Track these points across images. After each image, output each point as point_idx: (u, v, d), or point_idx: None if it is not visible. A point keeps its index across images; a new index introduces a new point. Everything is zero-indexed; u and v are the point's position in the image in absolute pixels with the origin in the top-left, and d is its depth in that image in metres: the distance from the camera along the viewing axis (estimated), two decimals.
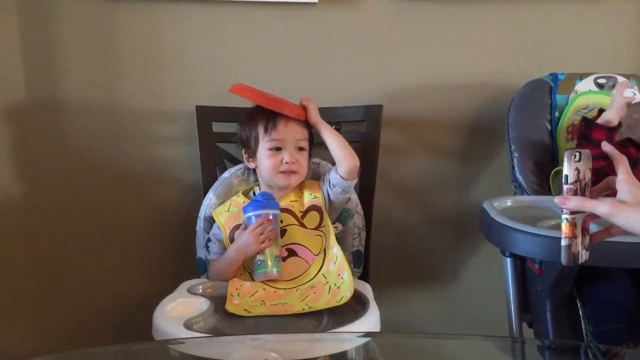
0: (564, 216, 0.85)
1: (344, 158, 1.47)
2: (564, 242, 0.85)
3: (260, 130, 1.48)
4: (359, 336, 1.23)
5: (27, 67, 1.67)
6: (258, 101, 1.49)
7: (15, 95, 1.67)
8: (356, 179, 1.51)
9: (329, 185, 1.50)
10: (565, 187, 0.85)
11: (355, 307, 1.32)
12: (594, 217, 0.87)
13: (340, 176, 1.47)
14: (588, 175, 0.86)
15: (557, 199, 0.85)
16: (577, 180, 0.85)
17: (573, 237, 0.85)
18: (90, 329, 1.76)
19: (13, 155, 1.70)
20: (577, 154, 0.84)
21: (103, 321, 1.77)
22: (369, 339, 1.26)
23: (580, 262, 0.86)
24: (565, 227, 0.85)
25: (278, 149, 1.47)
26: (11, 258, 1.72)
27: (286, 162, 1.46)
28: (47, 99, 1.69)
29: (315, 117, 1.51)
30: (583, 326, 1.33)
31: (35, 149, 1.71)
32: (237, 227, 1.47)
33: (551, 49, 1.73)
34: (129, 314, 1.73)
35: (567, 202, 0.84)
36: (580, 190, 0.85)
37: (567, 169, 0.84)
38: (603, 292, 1.36)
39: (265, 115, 1.48)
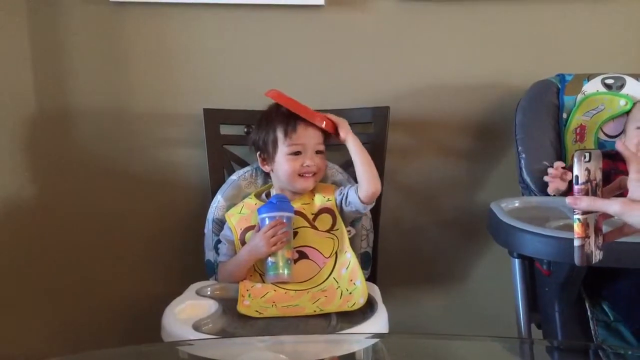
0: (575, 216, 0.85)
1: (367, 181, 1.45)
2: (576, 243, 0.85)
3: (280, 134, 1.48)
4: (367, 337, 1.24)
5: (37, 72, 1.68)
6: (292, 108, 1.47)
7: (25, 100, 1.69)
8: (373, 204, 1.49)
9: (344, 200, 1.49)
10: (576, 187, 0.85)
11: (363, 308, 1.32)
12: (606, 216, 0.87)
13: (360, 198, 1.45)
14: (599, 175, 0.86)
15: (568, 200, 0.85)
16: (588, 181, 0.84)
17: (586, 237, 0.85)
18: (100, 331, 1.78)
19: (24, 159, 1.72)
20: (587, 154, 0.84)
21: (112, 323, 1.78)
22: (378, 340, 1.26)
23: (593, 262, 0.86)
24: (577, 227, 0.85)
25: (298, 152, 1.47)
26: (23, 260, 1.73)
27: (307, 166, 1.46)
28: (57, 102, 1.70)
29: (346, 131, 1.48)
30: (592, 326, 1.33)
31: (45, 153, 1.72)
32: (248, 229, 1.47)
33: (558, 50, 1.72)
34: (138, 315, 1.74)
35: (579, 202, 0.84)
36: (592, 190, 0.85)
37: (578, 169, 0.84)
38: (625, 290, 1.35)
39: (284, 118, 1.48)
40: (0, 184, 1.69)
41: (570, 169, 1.50)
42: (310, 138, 1.48)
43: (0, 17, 1.64)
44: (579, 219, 0.85)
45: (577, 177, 0.84)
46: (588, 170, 0.84)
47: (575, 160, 0.83)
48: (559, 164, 1.44)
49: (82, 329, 1.78)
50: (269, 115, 1.52)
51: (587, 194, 0.85)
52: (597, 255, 0.86)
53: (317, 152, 1.49)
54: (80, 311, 1.77)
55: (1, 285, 1.69)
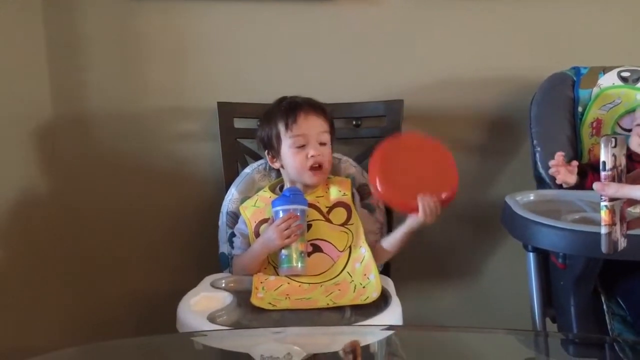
0: (602, 203, 0.84)
1: (386, 259, 1.48)
2: (604, 230, 0.83)
3: (281, 127, 1.48)
4: (381, 329, 1.24)
5: (52, 67, 1.69)
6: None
7: (42, 96, 1.69)
8: None
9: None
10: (603, 173, 0.83)
11: (377, 302, 1.32)
12: (630, 203, 0.86)
13: (368, 245, 1.43)
14: (623, 161, 0.85)
15: (596, 186, 0.83)
16: (614, 167, 0.83)
17: (613, 224, 0.83)
18: (116, 321, 1.79)
19: (40, 154, 1.73)
20: (613, 139, 0.82)
21: (128, 314, 1.80)
22: (391, 332, 1.26)
23: (619, 249, 0.85)
24: (604, 214, 0.84)
25: (302, 145, 1.47)
26: (41, 254, 1.74)
27: (312, 156, 1.45)
28: (72, 98, 1.71)
29: (423, 218, 1.38)
30: (607, 320, 1.32)
31: (61, 148, 1.73)
32: (262, 221, 1.48)
33: (573, 42, 1.71)
34: (152, 307, 1.75)
35: (607, 189, 0.83)
36: (617, 176, 0.84)
37: (605, 155, 0.82)
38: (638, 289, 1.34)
39: (283, 111, 1.49)
40: (17, 179, 1.69)
41: (586, 164, 1.50)
42: (311, 128, 1.47)
43: (17, 14, 1.65)
44: (606, 206, 0.83)
45: (604, 163, 0.83)
46: (614, 156, 0.83)
47: (602, 146, 0.82)
48: (559, 154, 1.43)
49: (97, 320, 1.79)
50: (271, 110, 1.52)
51: (613, 180, 0.83)
52: (622, 243, 0.85)
53: (322, 143, 1.48)
54: (96, 302, 1.79)
55: (21, 277, 1.70)
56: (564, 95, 1.58)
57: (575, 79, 1.59)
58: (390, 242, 1.46)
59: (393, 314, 1.27)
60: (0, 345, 1.72)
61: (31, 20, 1.66)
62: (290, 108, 1.48)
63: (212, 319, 1.24)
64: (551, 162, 1.42)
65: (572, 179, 1.40)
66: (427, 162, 1.40)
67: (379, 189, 1.38)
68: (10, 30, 1.64)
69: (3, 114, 1.65)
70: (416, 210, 1.36)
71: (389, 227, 1.60)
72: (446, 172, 1.41)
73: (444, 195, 1.37)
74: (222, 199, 1.60)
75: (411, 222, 1.41)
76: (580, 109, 1.57)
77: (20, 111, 1.67)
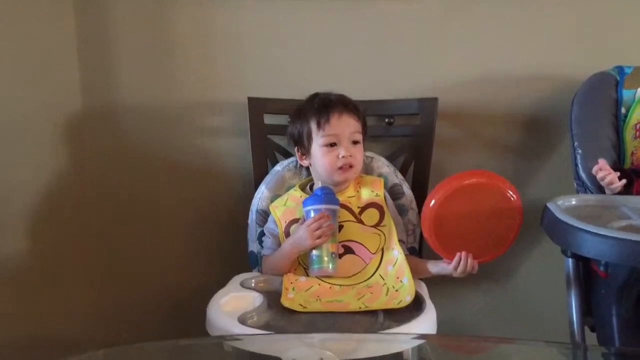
0: None
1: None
2: None
3: (313, 126, 1.45)
4: (413, 338, 1.21)
5: (82, 61, 1.67)
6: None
7: (71, 90, 1.68)
8: None
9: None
10: None
11: (411, 306, 1.29)
12: None
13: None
14: None
15: None
16: None
17: None
18: (144, 317, 1.78)
19: (70, 148, 1.72)
20: None
21: (156, 310, 1.79)
22: (424, 341, 1.22)
23: None
24: None
25: (333, 144, 1.43)
26: (69, 246, 1.74)
27: (343, 157, 1.42)
28: (102, 92, 1.70)
29: (454, 271, 1.36)
30: None
31: (90, 143, 1.72)
32: (293, 221, 1.45)
33: (616, 40, 1.65)
34: (181, 304, 1.74)
35: None
36: None
37: None
38: None
39: (316, 109, 1.45)
40: (47, 172, 1.69)
41: (629, 169, 1.44)
42: (344, 127, 1.44)
43: (48, 8, 1.64)
44: None
45: None
46: None
47: None
48: (602, 161, 1.38)
49: (127, 316, 1.78)
50: (303, 107, 1.49)
51: None
52: None
53: (354, 142, 1.45)
54: (124, 298, 1.78)
55: (49, 269, 1.70)
56: (606, 96, 1.52)
57: (618, 78, 1.53)
58: (415, 269, 1.40)
59: (427, 320, 1.25)
60: (28, 337, 1.74)
61: (62, 14, 1.65)
62: (324, 106, 1.44)
63: (242, 320, 1.23)
64: (595, 168, 1.37)
65: (619, 182, 1.35)
66: (486, 216, 1.33)
67: (425, 232, 1.36)
68: (41, 25, 1.64)
69: (34, 107, 1.65)
70: (451, 259, 1.34)
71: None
72: (503, 232, 1.36)
73: (486, 258, 1.36)
74: (251, 195, 1.58)
75: (441, 269, 1.39)
76: (623, 110, 1.52)
77: (51, 104, 1.67)
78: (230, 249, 1.67)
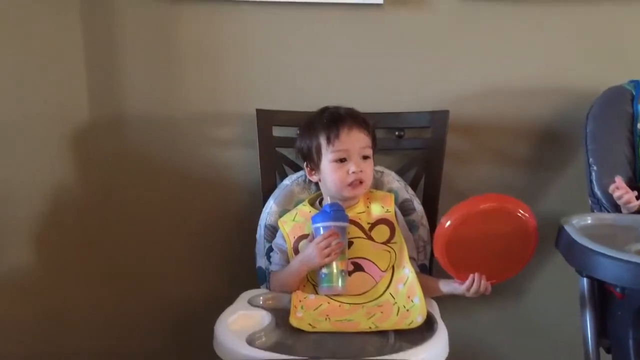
0: None
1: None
2: None
3: (323, 141, 1.42)
4: None
5: (89, 70, 1.65)
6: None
7: (78, 99, 1.67)
8: None
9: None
10: None
11: (422, 326, 1.27)
12: None
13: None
14: None
15: None
16: None
17: None
18: (147, 330, 1.76)
19: (75, 156, 1.70)
20: None
21: (161, 321, 1.76)
22: None
23: None
24: None
25: (343, 159, 1.41)
26: (74, 256, 1.73)
27: (353, 172, 1.40)
28: (109, 102, 1.68)
29: (466, 291, 1.35)
30: None
31: (96, 152, 1.70)
32: (302, 237, 1.43)
33: (632, 54, 1.63)
34: (186, 316, 1.73)
35: None
36: None
37: None
38: None
39: (325, 123, 1.43)
40: (52, 180, 1.68)
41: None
42: (354, 142, 1.41)
43: (55, 17, 1.63)
44: None
45: None
46: None
47: None
48: (618, 178, 1.36)
49: (130, 328, 1.76)
50: (312, 121, 1.46)
51: None
52: None
53: (364, 157, 1.42)
54: (128, 310, 1.76)
55: (53, 278, 1.70)
56: (622, 111, 1.50)
57: (634, 93, 1.51)
58: (426, 287, 1.37)
59: (439, 342, 1.22)
60: (34, 346, 1.72)
61: (69, 23, 1.63)
62: (333, 120, 1.42)
63: (250, 341, 1.20)
64: (612, 187, 1.34)
65: (637, 202, 1.32)
66: (501, 240, 1.31)
67: (437, 253, 1.34)
68: (48, 33, 1.63)
69: (40, 115, 1.66)
70: (464, 280, 1.33)
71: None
72: (517, 255, 1.34)
73: (499, 279, 1.35)
74: (259, 208, 1.56)
75: (453, 289, 1.37)
76: (639, 125, 1.49)
77: (57, 113, 1.67)
78: (237, 262, 1.65)
